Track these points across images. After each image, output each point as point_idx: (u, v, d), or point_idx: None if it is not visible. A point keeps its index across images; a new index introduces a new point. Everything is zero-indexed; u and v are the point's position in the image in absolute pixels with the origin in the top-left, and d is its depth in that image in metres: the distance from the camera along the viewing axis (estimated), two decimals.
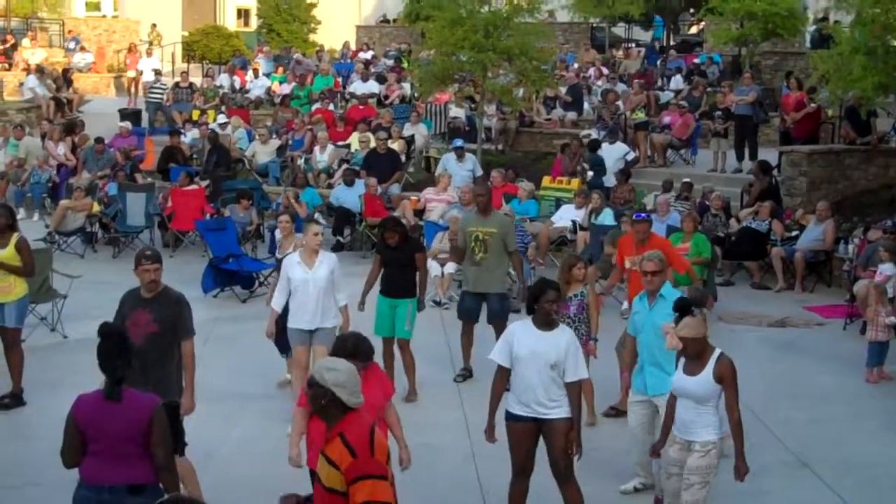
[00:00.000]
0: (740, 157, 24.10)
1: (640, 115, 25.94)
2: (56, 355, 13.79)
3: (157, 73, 33.54)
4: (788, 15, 29.39)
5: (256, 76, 33.55)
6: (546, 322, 8.61)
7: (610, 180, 22.27)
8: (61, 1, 47.51)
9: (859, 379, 13.69)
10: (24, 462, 10.37)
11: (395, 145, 24.20)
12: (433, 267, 16.95)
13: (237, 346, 14.71)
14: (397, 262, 12.58)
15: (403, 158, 24.34)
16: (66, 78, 34.53)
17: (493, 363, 8.77)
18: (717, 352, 8.24)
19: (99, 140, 25.08)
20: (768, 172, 20.99)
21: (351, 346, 7.76)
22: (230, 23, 53.76)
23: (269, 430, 11.39)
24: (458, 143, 23.35)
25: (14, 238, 11.89)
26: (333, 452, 6.03)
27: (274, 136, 26.48)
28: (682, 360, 8.38)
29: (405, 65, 34.78)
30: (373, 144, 23.70)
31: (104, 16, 51.30)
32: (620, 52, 36.46)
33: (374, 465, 5.98)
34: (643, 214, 12.53)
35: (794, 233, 19.12)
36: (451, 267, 16.84)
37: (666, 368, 9.25)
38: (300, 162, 24.81)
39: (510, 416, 8.69)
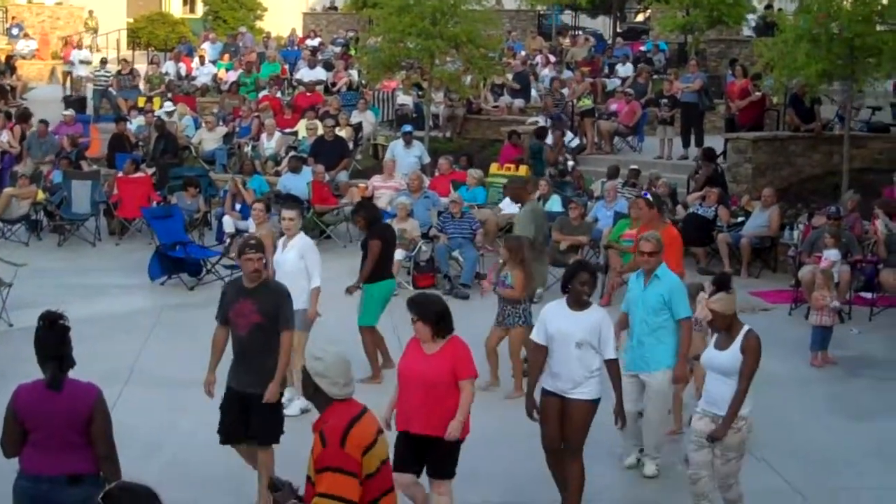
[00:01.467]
0: (686, 144, 24.21)
1: (587, 103, 25.96)
2: (1, 345, 13.57)
3: (104, 61, 33.20)
4: (734, 3, 29.61)
5: (203, 63, 33.29)
6: (577, 302, 8.87)
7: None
8: None
9: (805, 363, 13.80)
10: None
11: (343, 132, 24.14)
12: None
13: (185, 333, 14.53)
14: (363, 248, 12.94)
15: (351, 146, 24.30)
16: (9, 65, 34.13)
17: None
18: (745, 328, 8.55)
19: (42, 122, 24.75)
20: (714, 159, 21.11)
21: (416, 307, 8.20)
22: (176, 10, 53.30)
23: (215, 418, 11.28)
24: (408, 128, 23.29)
25: None
26: (315, 441, 5.94)
27: (221, 123, 26.31)
28: (715, 336, 8.74)
29: (353, 52, 34.64)
30: (320, 132, 23.60)
31: (50, 3, 50.71)
32: (567, 40, 36.51)
33: (340, 458, 5.77)
34: (648, 195, 12.64)
35: (740, 219, 19.21)
36: (399, 254, 16.80)
37: (654, 346, 9.74)
38: (247, 149, 24.66)
39: (542, 392, 8.97)
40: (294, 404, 11.01)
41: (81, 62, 32.79)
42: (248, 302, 8.86)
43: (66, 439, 6.49)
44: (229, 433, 9.02)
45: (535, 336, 9.05)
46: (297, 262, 11.45)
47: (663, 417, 10.17)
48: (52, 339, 6.53)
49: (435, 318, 8.14)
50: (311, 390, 6.03)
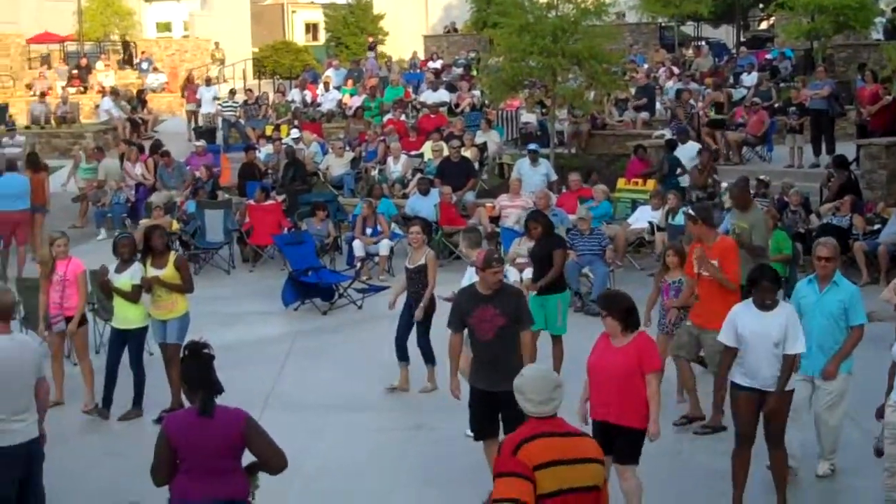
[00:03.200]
0: (817, 152, 23.79)
1: (712, 114, 25.67)
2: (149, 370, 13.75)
3: (232, 92, 33.75)
4: (860, 7, 29.02)
5: (327, 89, 33.70)
6: (764, 305, 9.07)
7: (685, 180, 22.07)
8: (133, 23, 48.12)
9: None
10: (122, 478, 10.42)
11: (468, 153, 24.15)
12: (511, 272, 16.88)
13: (320, 358, 14.72)
14: (537, 257, 13.23)
15: (477, 165, 24.30)
16: (140, 99, 34.93)
17: None
18: None
19: (165, 153, 25.20)
20: (846, 166, 20.67)
21: (605, 303, 8.75)
22: (299, 38, 54.16)
23: (354, 443, 11.39)
24: (533, 146, 23.21)
25: (172, 257, 12.31)
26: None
27: (348, 148, 26.55)
28: None
29: (475, 72, 34.77)
30: (446, 153, 23.68)
31: (177, 36, 51.88)
32: (690, 51, 36.19)
33: (511, 464, 5.75)
34: (691, 210, 12.10)
35: (877, 226, 18.78)
36: (529, 272, 16.75)
37: (830, 353, 9.79)
38: (374, 173, 24.85)
39: (735, 386, 9.22)
40: None
41: (215, 99, 32.82)
42: (489, 307, 9.35)
43: (218, 465, 6.61)
44: (484, 430, 9.47)
45: (724, 338, 9.27)
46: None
47: (841, 421, 10.14)
48: (199, 367, 6.68)
49: (623, 313, 8.55)
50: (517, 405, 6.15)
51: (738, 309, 9.32)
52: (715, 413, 10.83)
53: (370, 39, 46.11)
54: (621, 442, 8.55)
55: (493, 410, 9.32)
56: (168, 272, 12.13)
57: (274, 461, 6.72)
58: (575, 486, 5.80)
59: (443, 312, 12.73)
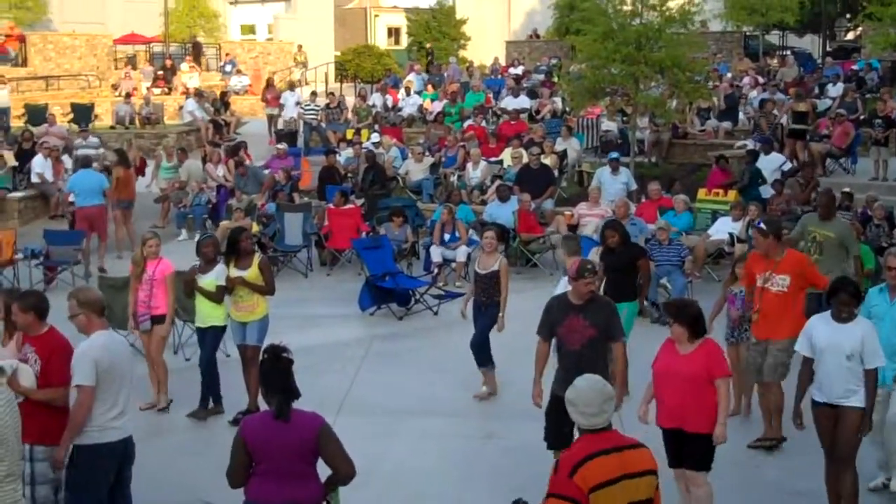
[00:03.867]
0: None
1: (790, 124, 25.44)
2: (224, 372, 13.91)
3: (314, 94, 34.01)
4: None
5: (408, 94, 33.83)
6: (841, 317, 9.07)
7: (767, 191, 21.87)
8: (218, 25, 48.72)
9: None
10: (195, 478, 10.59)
11: (548, 160, 24.14)
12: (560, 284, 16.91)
13: (395, 363, 14.81)
14: (614, 266, 13.10)
15: (556, 173, 24.26)
16: (223, 101, 35.32)
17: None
18: None
19: (239, 163, 25.18)
20: None
21: (674, 311, 8.97)
22: (381, 41, 54.42)
23: (427, 447, 11.46)
24: (614, 155, 23.14)
25: (256, 259, 12.46)
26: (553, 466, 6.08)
27: (427, 153, 26.64)
28: None
29: (556, 79, 34.74)
30: (525, 160, 23.69)
31: (261, 38, 52.38)
32: (775, 61, 35.88)
33: (564, 487, 5.82)
34: (762, 224, 11.65)
35: None
36: None
37: None
38: (453, 179, 24.92)
39: (813, 403, 9.24)
40: None
41: (297, 104, 32.92)
42: (579, 318, 9.41)
43: (293, 469, 6.70)
44: (558, 439, 9.45)
45: (801, 348, 9.32)
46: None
47: None
48: (278, 371, 6.78)
49: (691, 321, 8.73)
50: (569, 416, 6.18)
51: (814, 320, 9.33)
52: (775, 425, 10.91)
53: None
54: (692, 448, 8.69)
55: (571, 421, 9.30)
56: (252, 273, 12.28)
57: (343, 469, 6.78)
58: (631, 501, 5.93)
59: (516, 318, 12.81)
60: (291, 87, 34.77)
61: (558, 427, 9.44)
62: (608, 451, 5.93)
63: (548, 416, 9.67)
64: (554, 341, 9.71)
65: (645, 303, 13.73)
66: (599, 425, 6.03)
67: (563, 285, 11.61)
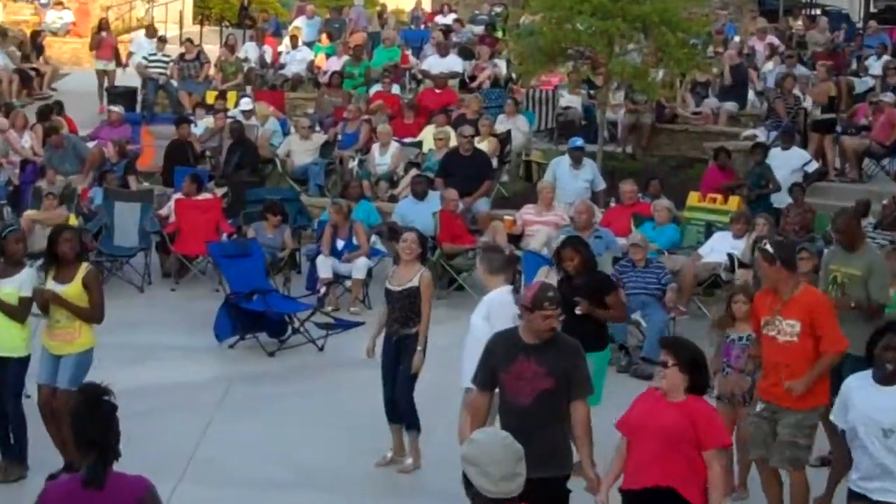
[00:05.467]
0: None
1: (817, 113, 25.76)
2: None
3: (162, 40, 33.33)
4: None
5: (294, 46, 33.76)
6: (884, 376, 9.16)
7: (782, 199, 22.10)
8: None
9: None
10: None
11: (485, 145, 24.18)
12: None
13: (262, 414, 14.79)
14: (572, 301, 12.68)
15: (495, 163, 24.30)
16: (35, 43, 34.96)
17: None
18: None
19: (53, 129, 24.78)
20: None
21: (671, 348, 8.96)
22: None
23: None
24: (578, 142, 23.12)
25: (82, 271, 12.21)
26: None
27: (317, 128, 26.59)
28: None
29: (499, 34, 34.88)
30: (453, 143, 23.73)
31: None
32: (800, 22, 36.27)
33: None
34: (767, 245, 11.27)
35: None
36: None
37: None
38: (353, 165, 24.91)
39: (849, 495, 9.48)
40: None
41: (145, 58, 32.13)
42: (531, 362, 9.20)
43: None
44: None
45: (836, 418, 9.47)
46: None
47: None
48: (94, 420, 6.68)
49: (691, 367, 8.74)
50: (465, 484, 5.97)
51: (852, 382, 9.41)
52: None
53: None
54: None
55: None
56: (73, 289, 12.09)
57: None
58: None
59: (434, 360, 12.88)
60: (149, 31, 34.46)
61: None
62: None
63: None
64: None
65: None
66: (512, 493, 5.94)
67: (484, 311, 11.57)
